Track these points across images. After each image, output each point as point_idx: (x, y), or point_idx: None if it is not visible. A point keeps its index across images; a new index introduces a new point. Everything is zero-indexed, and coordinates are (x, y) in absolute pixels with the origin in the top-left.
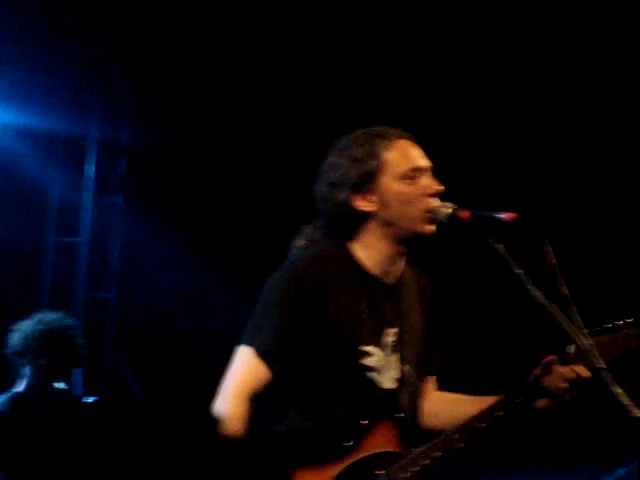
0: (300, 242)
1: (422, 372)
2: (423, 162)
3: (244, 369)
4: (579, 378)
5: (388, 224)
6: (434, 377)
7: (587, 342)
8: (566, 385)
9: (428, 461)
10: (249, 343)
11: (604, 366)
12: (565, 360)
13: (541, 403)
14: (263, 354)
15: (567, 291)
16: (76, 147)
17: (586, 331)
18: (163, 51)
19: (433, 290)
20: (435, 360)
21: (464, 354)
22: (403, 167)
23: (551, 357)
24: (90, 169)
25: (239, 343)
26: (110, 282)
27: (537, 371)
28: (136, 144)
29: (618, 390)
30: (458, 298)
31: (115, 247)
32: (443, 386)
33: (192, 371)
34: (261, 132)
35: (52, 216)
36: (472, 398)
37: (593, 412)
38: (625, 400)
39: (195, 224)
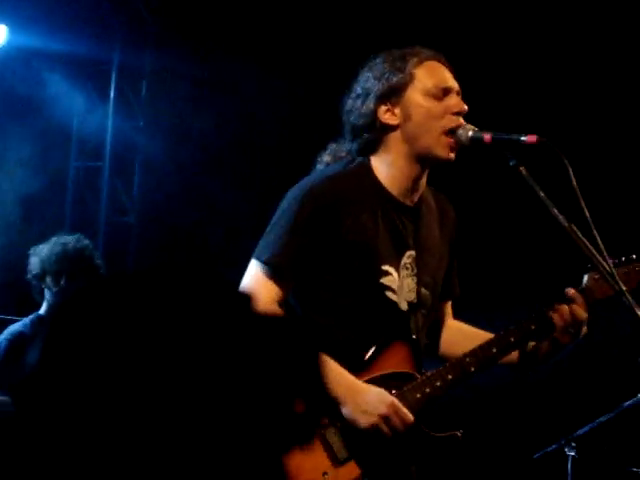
0: (325, 158)
1: (440, 297)
2: (452, 82)
3: (258, 286)
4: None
5: (409, 140)
6: (450, 303)
7: (608, 265)
8: (578, 323)
9: (440, 383)
10: (260, 258)
11: (625, 288)
12: (582, 289)
13: (558, 337)
14: (274, 272)
15: (589, 214)
16: (99, 71)
17: (607, 255)
18: None
19: (457, 219)
20: (454, 286)
21: (485, 279)
22: (430, 84)
23: (571, 291)
24: (112, 93)
25: (253, 256)
26: (131, 206)
27: (555, 305)
28: (156, 69)
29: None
30: (479, 223)
31: (136, 171)
32: (463, 312)
33: None
34: (289, 53)
35: (75, 141)
36: (488, 334)
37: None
38: None
39: (215, 146)
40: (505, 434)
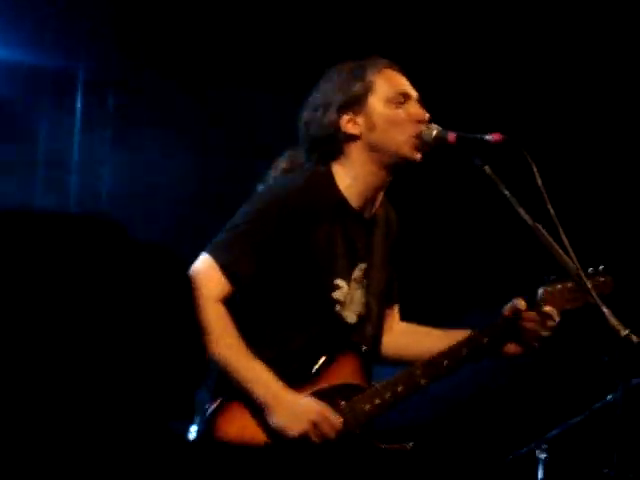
0: (282, 164)
1: (385, 303)
2: (410, 89)
3: (207, 277)
4: (549, 324)
5: (373, 148)
6: (396, 307)
7: (573, 264)
8: (536, 331)
9: (389, 395)
10: (214, 256)
11: (591, 286)
12: (536, 303)
13: (509, 348)
14: (225, 272)
15: (554, 213)
16: (63, 82)
17: (572, 253)
18: None
19: (399, 224)
20: (396, 293)
21: (453, 277)
22: (391, 91)
23: (521, 302)
24: (77, 104)
25: (204, 250)
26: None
27: (507, 313)
28: (123, 78)
29: (606, 310)
30: (441, 223)
31: (104, 182)
32: (432, 313)
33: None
34: (251, 66)
35: (41, 152)
36: (439, 332)
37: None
38: (613, 321)
39: (183, 157)
40: (475, 437)
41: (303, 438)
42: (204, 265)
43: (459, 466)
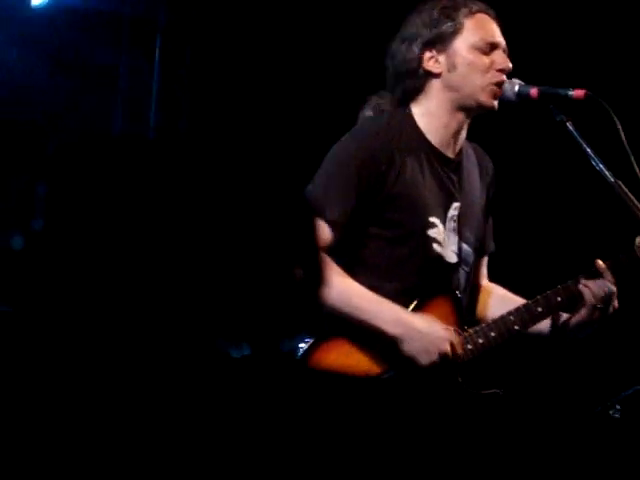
0: (367, 111)
1: (478, 253)
2: (499, 38)
3: None
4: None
5: (451, 89)
6: (485, 261)
7: None
8: (608, 298)
9: (482, 340)
10: None
11: None
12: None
13: (586, 312)
14: (321, 218)
15: (638, 170)
16: (143, 33)
17: None
18: None
19: (495, 171)
20: (489, 242)
21: (532, 235)
22: (479, 38)
23: (601, 264)
24: (157, 57)
25: None
26: None
27: (582, 279)
28: (201, 31)
29: None
30: (523, 179)
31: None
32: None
33: None
34: (331, 16)
35: (120, 103)
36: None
37: None
38: None
39: (261, 112)
40: (548, 397)
41: (430, 368)
42: None
43: (530, 425)
